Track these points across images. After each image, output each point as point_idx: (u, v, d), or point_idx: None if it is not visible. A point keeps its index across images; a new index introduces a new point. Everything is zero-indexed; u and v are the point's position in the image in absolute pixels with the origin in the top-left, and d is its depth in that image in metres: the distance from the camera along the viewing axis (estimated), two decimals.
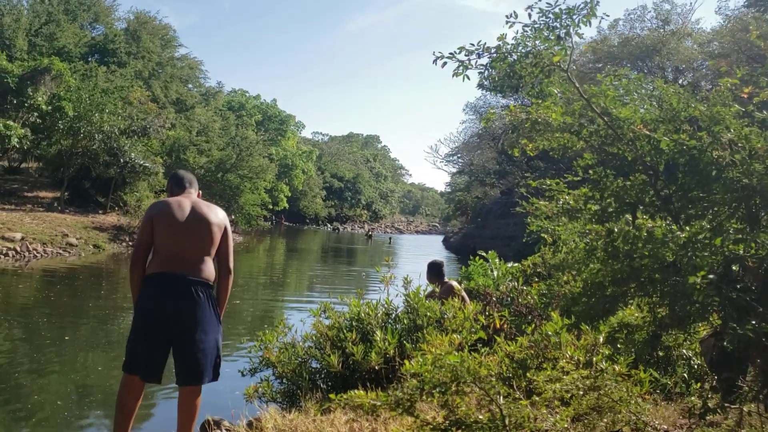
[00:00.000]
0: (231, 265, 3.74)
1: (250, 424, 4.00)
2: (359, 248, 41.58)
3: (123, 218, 26.91)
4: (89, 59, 37.98)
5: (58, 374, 7.81)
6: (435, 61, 2.73)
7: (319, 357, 5.01)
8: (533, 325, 4.33)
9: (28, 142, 26.43)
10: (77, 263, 19.23)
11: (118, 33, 42.83)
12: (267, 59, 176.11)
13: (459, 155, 53.81)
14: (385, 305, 5.34)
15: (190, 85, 50.20)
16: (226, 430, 4.26)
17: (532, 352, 3.52)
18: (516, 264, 7.01)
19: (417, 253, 40.76)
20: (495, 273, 7.04)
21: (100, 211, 28.68)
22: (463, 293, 5.99)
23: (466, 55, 2.73)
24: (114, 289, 15.08)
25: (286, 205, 54.38)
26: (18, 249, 18.83)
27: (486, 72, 2.82)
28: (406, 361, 2.57)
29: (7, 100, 25.40)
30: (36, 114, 26.56)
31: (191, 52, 69.28)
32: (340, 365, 4.71)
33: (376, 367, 4.65)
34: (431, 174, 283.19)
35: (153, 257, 3.61)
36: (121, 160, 27.97)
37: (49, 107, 26.44)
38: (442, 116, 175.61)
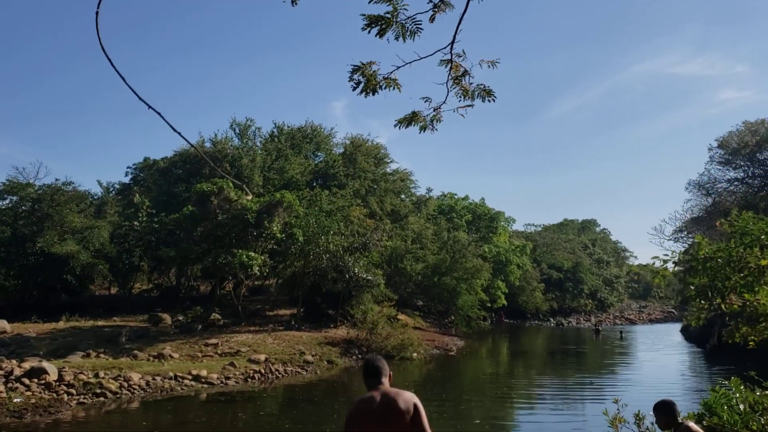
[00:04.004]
0: None
1: None
2: (587, 350, 38.66)
3: (351, 331, 28.63)
4: (314, 185, 42.15)
5: None
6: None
7: None
8: None
9: (267, 269, 29.63)
10: (314, 380, 20.60)
11: (336, 158, 47.17)
12: (473, 158, 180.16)
13: (687, 232, 49.49)
14: None
15: (402, 196, 53.11)
16: None
17: None
18: None
19: (653, 350, 37.37)
20: (741, 406, 6.20)
21: (331, 325, 30.73)
22: None
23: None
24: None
25: (505, 302, 53.57)
26: (263, 371, 20.76)
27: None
28: None
29: (248, 233, 28.93)
30: (272, 241, 29.80)
31: (401, 165, 73.63)
32: None
33: None
34: (659, 254, 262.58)
35: None
36: (347, 275, 30.10)
37: (283, 235, 29.55)
38: (663, 190, 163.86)
